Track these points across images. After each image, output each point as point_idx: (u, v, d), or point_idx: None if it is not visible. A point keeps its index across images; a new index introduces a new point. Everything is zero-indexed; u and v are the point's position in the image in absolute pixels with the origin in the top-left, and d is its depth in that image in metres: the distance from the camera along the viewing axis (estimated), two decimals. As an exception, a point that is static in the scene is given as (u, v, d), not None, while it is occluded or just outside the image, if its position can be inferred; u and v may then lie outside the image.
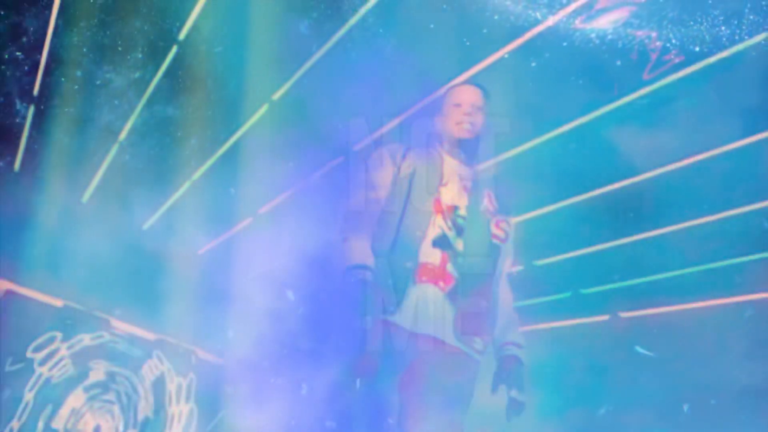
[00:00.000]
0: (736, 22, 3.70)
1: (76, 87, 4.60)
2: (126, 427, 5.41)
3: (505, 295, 3.17)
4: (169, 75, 4.46)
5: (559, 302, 5.59)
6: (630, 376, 5.29)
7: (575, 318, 5.70)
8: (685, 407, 4.87)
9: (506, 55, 3.98)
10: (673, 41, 3.81)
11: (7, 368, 4.94)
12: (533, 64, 4.03)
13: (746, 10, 3.63)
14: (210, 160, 4.92)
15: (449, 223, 2.98)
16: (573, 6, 3.70)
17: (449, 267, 2.93)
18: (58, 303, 5.25)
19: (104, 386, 5.37)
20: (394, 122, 4.34)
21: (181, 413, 5.63)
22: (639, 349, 5.24)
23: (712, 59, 3.81)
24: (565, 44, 3.93)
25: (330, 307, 3.08)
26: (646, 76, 3.94)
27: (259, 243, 5.15)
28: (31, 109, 4.72)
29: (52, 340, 5.19)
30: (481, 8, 3.87)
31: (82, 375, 5.29)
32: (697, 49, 3.81)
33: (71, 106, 4.71)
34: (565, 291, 5.53)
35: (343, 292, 2.79)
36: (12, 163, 5.10)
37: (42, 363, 5.11)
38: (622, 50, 3.90)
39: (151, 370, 5.57)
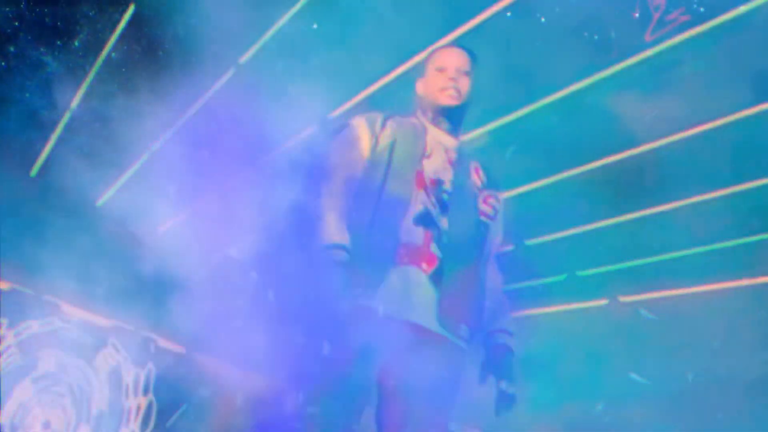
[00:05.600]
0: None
1: (23, 51, 4.42)
2: (78, 421, 5.30)
3: (493, 277, 3.07)
4: (126, 37, 4.31)
5: (554, 285, 5.58)
6: (630, 365, 5.27)
7: (571, 303, 5.70)
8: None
9: (494, 15, 3.83)
10: (678, -1, 3.74)
11: (-52, 358, 4.84)
12: (524, 25, 3.92)
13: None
14: (171, 129, 4.77)
15: (433, 199, 2.88)
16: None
17: (433, 247, 2.83)
18: (4, 286, 5.10)
19: (54, 377, 5.25)
20: (373, 88, 4.32)
21: (139, 406, 5.52)
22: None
23: (721, 19, 3.68)
24: (559, 2, 3.84)
25: (303, 291, 2.94)
26: (648, 38, 3.83)
27: (224, 220, 5.03)
28: (-26, 76, 4.59)
29: (-4, 326, 5.11)
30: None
31: (30, 365, 5.16)
32: (704, 8, 3.69)
33: (18, 71, 4.53)
34: (559, 273, 5.50)
35: (317, 273, 2.66)
36: (-48, 135, 4.95)
37: (-14, 352, 5.03)
38: (621, 9, 3.79)
39: (105, 359, 5.45)
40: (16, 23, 4.26)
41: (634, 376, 5.14)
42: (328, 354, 2.66)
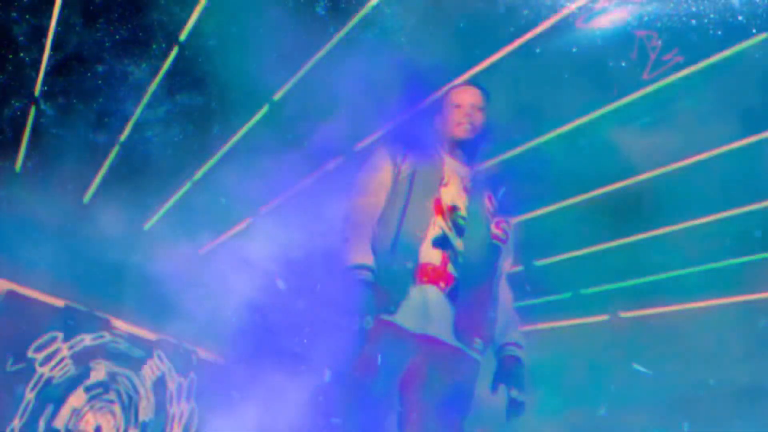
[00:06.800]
0: (735, 21, 3.69)
1: (77, 88, 4.60)
2: (127, 426, 5.41)
3: (504, 295, 3.17)
4: (169, 76, 4.47)
5: (559, 302, 5.56)
6: (629, 376, 5.28)
7: (575, 318, 5.68)
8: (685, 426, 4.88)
9: (506, 56, 3.97)
10: (673, 41, 3.80)
11: (8, 368, 4.95)
12: (533, 65, 4.01)
13: (746, 10, 3.63)
14: (211, 160, 4.92)
15: (450, 224, 2.99)
16: (572, 6, 3.69)
17: (450, 267, 2.94)
18: (60, 303, 5.26)
19: (105, 386, 5.38)
20: (395, 122, 4.40)
21: (182, 413, 5.63)
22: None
23: (713, 59, 3.81)
24: (564, 44, 3.93)
25: (331, 307, 3.07)
26: (645, 76, 3.93)
27: (259, 242, 5.14)
28: (32, 110, 4.72)
29: (53, 340, 5.20)
30: (480, 9, 3.87)
31: (83, 375, 5.30)
32: (697, 48, 3.80)
33: (72, 106, 4.71)
34: (565, 291, 5.51)
35: (344, 291, 2.78)
36: (13, 163, 5.10)
37: (43, 363, 5.12)
38: (621, 50, 3.89)
39: (151, 369, 5.58)
40: (76, 70, 4.48)
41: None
42: (353, 365, 2.79)
